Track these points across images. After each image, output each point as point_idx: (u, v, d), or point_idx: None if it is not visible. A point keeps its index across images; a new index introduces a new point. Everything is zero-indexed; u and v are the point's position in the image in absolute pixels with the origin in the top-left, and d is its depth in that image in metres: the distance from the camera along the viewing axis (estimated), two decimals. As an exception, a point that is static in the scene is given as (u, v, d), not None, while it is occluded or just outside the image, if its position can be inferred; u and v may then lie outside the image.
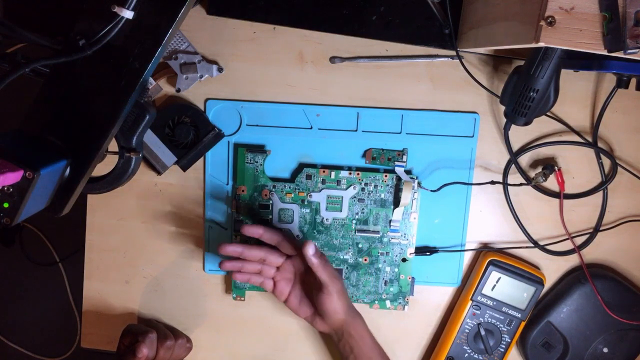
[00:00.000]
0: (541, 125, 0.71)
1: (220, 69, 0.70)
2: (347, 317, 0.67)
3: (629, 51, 0.45)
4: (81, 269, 0.76)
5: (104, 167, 0.61)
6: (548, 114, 0.67)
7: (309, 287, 0.68)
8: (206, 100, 0.71)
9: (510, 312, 0.72)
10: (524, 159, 0.73)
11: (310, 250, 0.63)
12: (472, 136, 0.72)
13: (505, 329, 0.72)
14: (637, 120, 0.72)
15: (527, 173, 0.73)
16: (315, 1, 0.68)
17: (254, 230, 0.67)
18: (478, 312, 0.72)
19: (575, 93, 0.71)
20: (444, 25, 0.67)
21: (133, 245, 0.75)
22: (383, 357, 0.69)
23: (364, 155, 0.72)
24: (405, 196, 0.69)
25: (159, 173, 0.72)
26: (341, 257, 0.73)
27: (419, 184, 0.71)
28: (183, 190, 0.74)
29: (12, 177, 0.47)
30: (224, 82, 0.71)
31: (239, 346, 0.77)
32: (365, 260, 0.73)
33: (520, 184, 0.71)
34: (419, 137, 0.72)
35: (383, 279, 0.73)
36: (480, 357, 0.73)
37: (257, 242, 0.69)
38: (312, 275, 0.65)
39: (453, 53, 0.69)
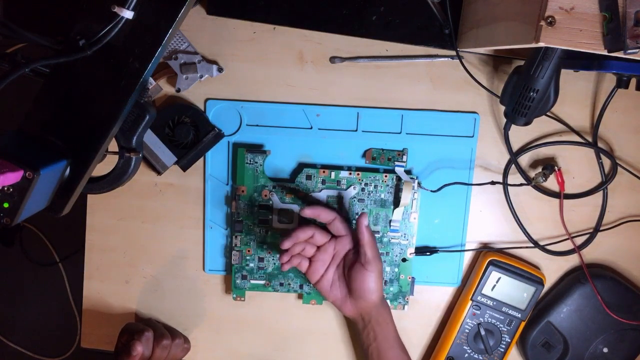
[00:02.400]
0: (541, 125, 0.71)
1: (220, 69, 0.70)
2: (378, 302, 0.67)
3: (629, 51, 0.45)
4: (81, 269, 0.76)
5: (104, 167, 0.61)
6: (548, 114, 0.67)
7: (349, 266, 0.68)
8: (206, 100, 0.71)
9: (510, 312, 0.72)
10: (524, 159, 0.73)
11: (365, 220, 0.65)
12: (472, 136, 0.72)
13: (505, 329, 0.72)
14: (637, 120, 0.72)
15: (527, 173, 0.73)
16: (315, 1, 0.68)
17: (312, 212, 0.67)
18: (478, 312, 0.72)
19: (575, 93, 0.71)
20: (444, 25, 0.67)
21: (133, 245, 0.75)
22: (404, 351, 0.69)
23: (364, 155, 0.72)
24: (405, 196, 0.69)
25: (159, 173, 0.72)
26: (341, 257, 0.73)
27: (419, 184, 0.71)
28: (183, 190, 0.74)
29: (12, 177, 0.47)
30: (224, 82, 0.71)
31: (238, 346, 0.77)
32: (365, 260, 0.73)
33: (520, 184, 0.71)
34: (419, 137, 0.72)
35: (383, 278, 0.73)
36: (480, 357, 0.73)
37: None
38: (355, 255, 0.67)
39: (453, 53, 0.69)
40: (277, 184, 0.71)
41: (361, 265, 0.66)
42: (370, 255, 0.65)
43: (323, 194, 0.71)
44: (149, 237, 0.75)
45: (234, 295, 0.74)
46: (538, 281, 0.71)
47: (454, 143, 0.72)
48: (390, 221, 0.72)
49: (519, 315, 0.72)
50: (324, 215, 0.67)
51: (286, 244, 0.65)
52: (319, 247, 0.69)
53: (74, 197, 0.57)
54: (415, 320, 0.76)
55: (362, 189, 0.71)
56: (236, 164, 0.72)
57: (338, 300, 0.69)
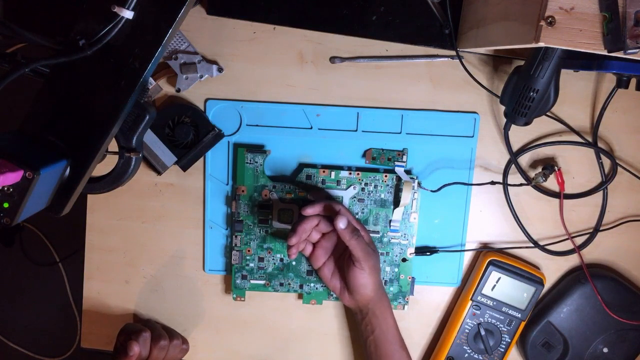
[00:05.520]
0: (541, 125, 0.71)
1: (220, 69, 0.70)
2: (374, 295, 0.67)
3: (629, 51, 0.45)
4: (81, 269, 0.76)
5: (104, 167, 0.61)
6: (548, 114, 0.67)
7: (344, 259, 0.68)
8: (206, 100, 0.71)
9: (510, 312, 0.72)
10: (524, 159, 0.73)
11: (340, 224, 0.62)
12: (472, 136, 0.72)
13: (505, 329, 0.72)
14: (637, 120, 0.72)
15: (527, 173, 0.73)
16: (315, 1, 0.68)
17: (313, 210, 0.65)
18: (478, 312, 0.72)
19: (575, 93, 0.71)
20: (444, 25, 0.67)
21: (133, 245, 0.75)
22: (402, 345, 0.69)
23: (364, 155, 0.72)
24: (405, 196, 0.69)
25: (159, 173, 0.72)
26: (341, 257, 0.73)
27: (419, 184, 0.71)
28: (183, 190, 0.74)
29: (12, 177, 0.47)
30: (224, 82, 0.71)
31: (238, 346, 0.77)
32: (365, 260, 0.73)
33: (520, 184, 0.71)
34: (419, 137, 0.72)
35: (383, 278, 0.73)
36: (480, 357, 0.73)
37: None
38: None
39: (453, 53, 0.69)
40: (277, 184, 0.71)
41: (352, 262, 0.66)
42: (356, 254, 0.64)
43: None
44: (149, 237, 0.75)
45: (234, 295, 0.74)
46: (538, 281, 0.71)
47: (454, 143, 0.72)
48: (390, 221, 0.72)
49: (519, 315, 0.72)
50: (326, 209, 0.66)
51: (293, 240, 0.64)
52: (323, 235, 0.69)
53: (74, 197, 0.57)
54: (415, 320, 0.76)
55: (362, 189, 0.71)
56: (236, 164, 0.72)
57: (337, 290, 0.70)
